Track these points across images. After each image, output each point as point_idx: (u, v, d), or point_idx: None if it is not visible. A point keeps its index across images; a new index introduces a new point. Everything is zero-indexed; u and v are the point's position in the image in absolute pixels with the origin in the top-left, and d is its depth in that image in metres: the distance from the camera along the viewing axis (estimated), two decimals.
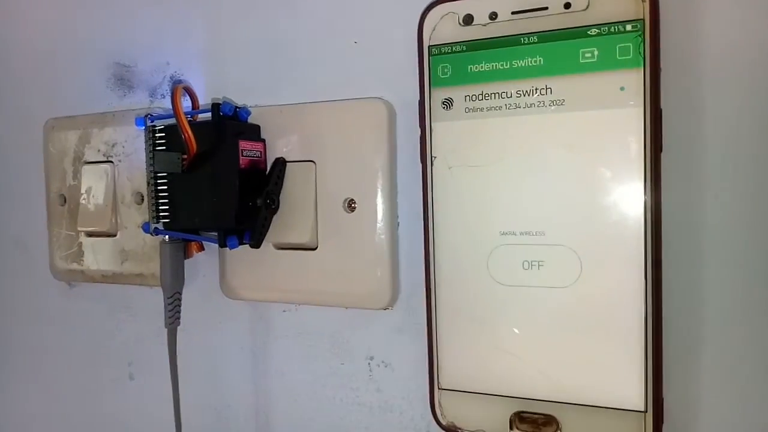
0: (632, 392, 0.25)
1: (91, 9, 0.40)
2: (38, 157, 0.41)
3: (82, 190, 0.38)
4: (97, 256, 0.38)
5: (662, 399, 0.25)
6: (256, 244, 0.31)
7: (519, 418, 0.27)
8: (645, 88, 0.24)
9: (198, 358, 0.37)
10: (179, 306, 0.33)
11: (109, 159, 0.37)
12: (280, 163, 0.31)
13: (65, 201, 0.40)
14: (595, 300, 0.26)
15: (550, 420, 0.27)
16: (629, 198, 0.25)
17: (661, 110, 0.25)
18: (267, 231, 0.31)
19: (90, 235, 0.39)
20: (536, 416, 0.27)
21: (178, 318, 0.33)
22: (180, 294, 0.33)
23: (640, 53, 0.24)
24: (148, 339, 0.39)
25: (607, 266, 0.25)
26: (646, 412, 0.25)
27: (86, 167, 0.38)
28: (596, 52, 0.25)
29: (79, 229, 0.38)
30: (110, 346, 0.40)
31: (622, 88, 0.25)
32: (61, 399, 0.43)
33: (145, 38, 0.38)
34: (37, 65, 0.42)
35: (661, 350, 0.25)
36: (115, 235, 0.38)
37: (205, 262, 0.36)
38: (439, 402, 0.29)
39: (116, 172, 0.37)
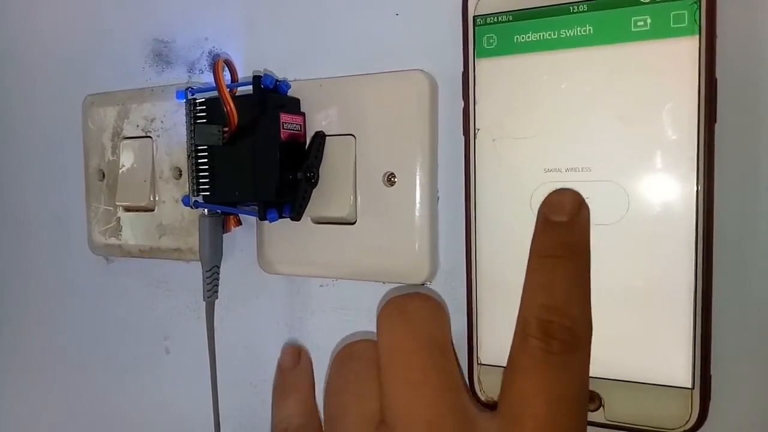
0: (679, 368, 0.25)
1: None
2: (77, 134, 0.41)
3: (121, 165, 0.39)
4: (135, 230, 0.39)
5: (710, 376, 0.25)
6: (297, 216, 0.31)
7: None
8: (700, 57, 0.24)
9: (235, 333, 0.37)
10: (217, 279, 0.34)
11: (148, 134, 0.38)
12: (320, 137, 0.31)
13: (104, 176, 0.40)
14: (642, 269, 0.25)
15: (592, 396, 0.26)
16: (681, 170, 0.24)
17: (716, 80, 0.24)
18: (307, 204, 0.31)
19: (128, 210, 0.39)
20: None
21: (216, 292, 0.34)
22: (218, 267, 0.34)
23: (695, 20, 0.24)
24: (185, 314, 0.39)
25: (656, 242, 0.25)
26: (693, 389, 0.24)
27: (125, 142, 0.38)
28: (649, 20, 0.25)
29: (118, 203, 0.39)
30: (147, 320, 0.41)
31: (675, 57, 0.24)
32: (99, 372, 0.43)
33: (183, 14, 0.38)
34: (75, 42, 0.43)
35: (710, 324, 0.24)
36: (153, 210, 0.38)
37: (242, 237, 0.36)
38: (479, 378, 0.29)
39: (155, 147, 0.37)
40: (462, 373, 0.24)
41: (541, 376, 0.22)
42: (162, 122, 0.37)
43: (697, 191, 0.24)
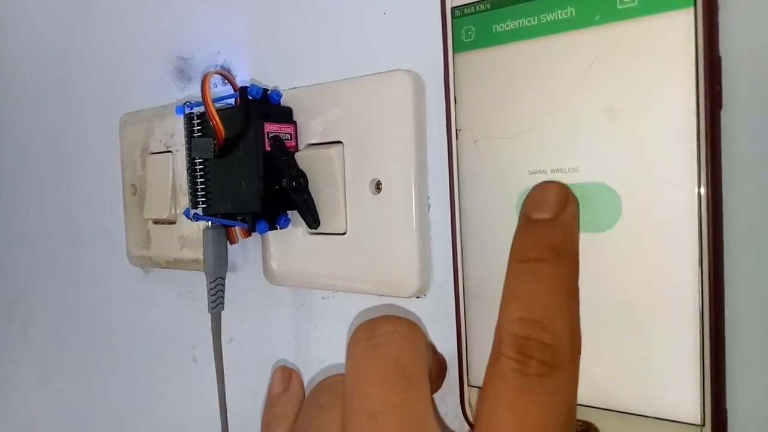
0: (685, 400, 0.21)
1: (157, 7, 0.41)
2: (117, 151, 0.44)
3: (148, 180, 0.40)
4: (162, 242, 0.40)
5: (725, 411, 0.21)
6: (314, 224, 0.30)
7: None
8: (697, 32, 0.20)
9: (248, 343, 0.37)
10: (222, 291, 0.34)
11: (169, 149, 0.39)
12: (279, 144, 0.30)
13: (136, 191, 0.42)
14: (638, 283, 0.22)
15: (588, 427, 0.23)
16: (681, 167, 0.21)
17: (719, 58, 0.20)
18: (315, 209, 0.30)
19: (155, 222, 0.40)
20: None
21: (222, 303, 0.34)
22: (223, 279, 0.34)
23: None
24: (208, 323, 0.40)
25: (655, 252, 0.21)
26: (704, 426, 0.21)
27: (150, 158, 0.40)
28: None
29: (145, 217, 0.40)
30: (178, 329, 0.42)
31: (669, 35, 0.21)
32: (139, 376, 0.45)
33: (199, 30, 0.39)
34: (113, 64, 0.45)
35: (723, 349, 0.20)
36: (174, 222, 0.39)
37: (253, 248, 0.36)
38: (469, 401, 0.26)
39: (174, 161, 0.38)
40: (432, 402, 0.22)
41: (514, 403, 0.19)
42: (180, 137, 0.38)
43: (701, 192, 0.20)
